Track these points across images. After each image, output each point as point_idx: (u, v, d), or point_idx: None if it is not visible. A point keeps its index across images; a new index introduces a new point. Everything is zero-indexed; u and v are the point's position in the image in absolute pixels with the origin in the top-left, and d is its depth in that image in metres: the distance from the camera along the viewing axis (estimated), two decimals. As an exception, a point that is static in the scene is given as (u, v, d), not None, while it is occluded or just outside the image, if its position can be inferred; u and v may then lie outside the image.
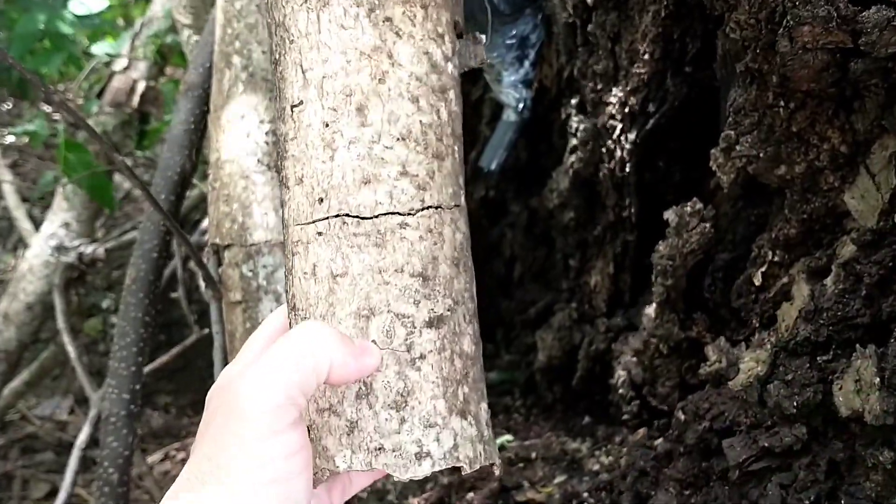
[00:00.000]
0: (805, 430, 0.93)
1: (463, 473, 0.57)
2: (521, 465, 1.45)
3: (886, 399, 0.81)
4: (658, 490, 1.14)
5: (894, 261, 0.87)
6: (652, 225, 1.28)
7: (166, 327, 2.81)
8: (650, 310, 1.24)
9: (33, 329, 2.67)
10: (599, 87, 1.25)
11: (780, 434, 0.95)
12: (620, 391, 1.35)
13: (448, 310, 0.58)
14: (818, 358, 0.94)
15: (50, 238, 2.78)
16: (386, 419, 0.55)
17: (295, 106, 0.60)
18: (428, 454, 0.55)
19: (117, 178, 3.04)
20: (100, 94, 2.89)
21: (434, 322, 0.56)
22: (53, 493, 2.09)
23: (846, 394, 0.87)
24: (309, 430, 0.56)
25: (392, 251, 0.56)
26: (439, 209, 0.59)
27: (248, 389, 0.50)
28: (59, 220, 2.81)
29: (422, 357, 0.56)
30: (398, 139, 0.58)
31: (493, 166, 1.44)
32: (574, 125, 1.32)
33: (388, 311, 0.55)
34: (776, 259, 1.07)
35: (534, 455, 1.46)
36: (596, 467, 1.33)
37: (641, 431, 1.32)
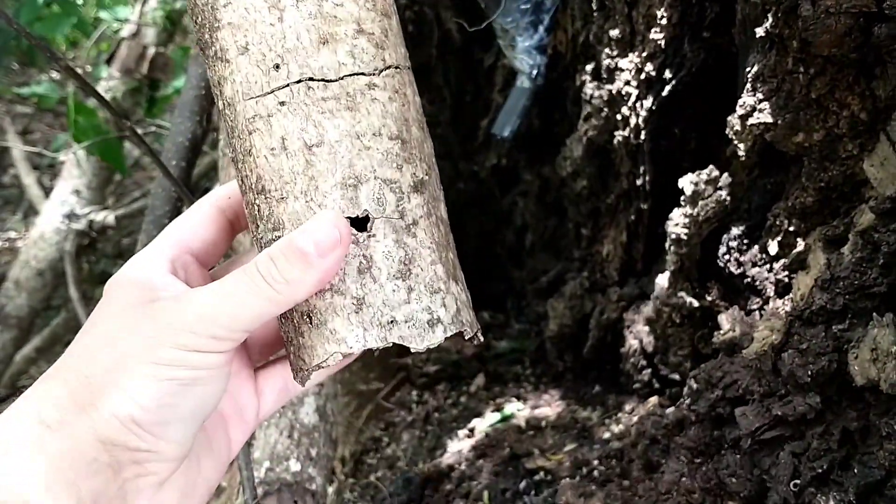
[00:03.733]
0: (819, 399, 0.92)
1: (465, 338, 0.55)
2: (531, 432, 1.46)
3: (904, 368, 0.80)
4: (669, 458, 1.14)
5: (914, 229, 0.86)
6: (666, 193, 1.27)
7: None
8: (663, 279, 1.24)
9: (44, 296, 2.69)
10: (615, 52, 1.23)
11: (794, 403, 0.94)
12: (632, 360, 1.35)
13: (426, 174, 0.55)
14: (834, 327, 0.93)
15: (61, 205, 2.79)
16: (393, 290, 0.52)
17: None
18: (439, 320, 0.53)
19: (127, 145, 3.03)
20: (109, 61, 2.88)
21: (418, 186, 0.54)
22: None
23: (862, 363, 0.86)
24: (311, 317, 0.53)
25: (366, 114, 0.53)
26: (398, 69, 0.56)
27: (188, 306, 0.49)
28: (70, 188, 2.82)
29: (414, 223, 0.53)
30: None
31: (507, 133, 1.43)
32: (589, 92, 1.31)
33: (375, 178, 0.53)
34: (792, 228, 1.06)
35: (544, 423, 1.46)
36: (606, 435, 1.34)
37: (652, 400, 1.31)
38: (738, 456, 1.03)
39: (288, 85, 0.52)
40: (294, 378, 0.56)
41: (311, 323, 0.53)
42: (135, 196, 3.27)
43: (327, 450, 1.27)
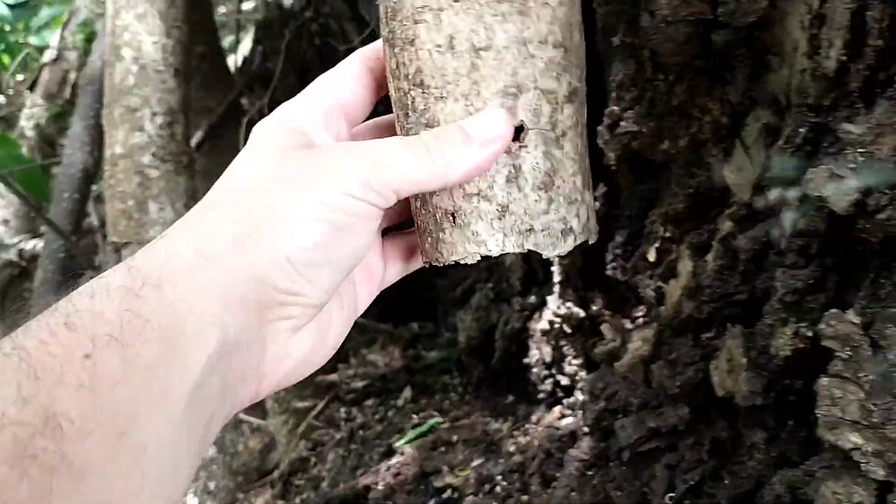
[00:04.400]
0: (688, 410, 0.92)
1: (590, 241, 0.57)
2: (442, 449, 1.44)
3: (753, 380, 0.79)
4: (563, 471, 1.13)
5: (768, 236, 0.85)
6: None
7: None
8: (554, 289, 1.23)
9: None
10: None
11: (666, 414, 0.93)
12: (535, 370, 1.34)
13: (579, 80, 0.54)
14: (701, 336, 0.93)
15: (-13, 235, 2.74)
16: (535, 200, 0.53)
17: None
18: (571, 230, 0.54)
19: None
20: (32, 87, 2.83)
21: (571, 96, 0.53)
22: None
23: (721, 374, 0.86)
24: (454, 217, 0.54)
25: (536, 19, 0.51)
26: None
27: (354, 155, 0.49)
28: (-3, 217, 2.76)
29: (563, 134, 0.53)
30: None
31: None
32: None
33: (535, 88, 0.52)
34: (667, 234, 1.05)
35: (455, 438, 1.45)
36: (511, 448, 1.32)
37: (556, 410, 1.30)
38: (623, 468, 1.02)
39: None
40: (424, 261, 0.58)
41: (454, 222, 0.55)
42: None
43: (227, 482, 1.24)
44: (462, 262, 0.54)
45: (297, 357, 0.52)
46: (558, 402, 1.32)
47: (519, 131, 0.53)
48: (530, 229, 0.53)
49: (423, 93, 0.54)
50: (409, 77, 0.54)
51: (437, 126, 0.53)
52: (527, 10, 0.51)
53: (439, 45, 0.52)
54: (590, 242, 0.56)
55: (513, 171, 0.53)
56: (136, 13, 1.33)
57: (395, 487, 1.41)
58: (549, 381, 1.31)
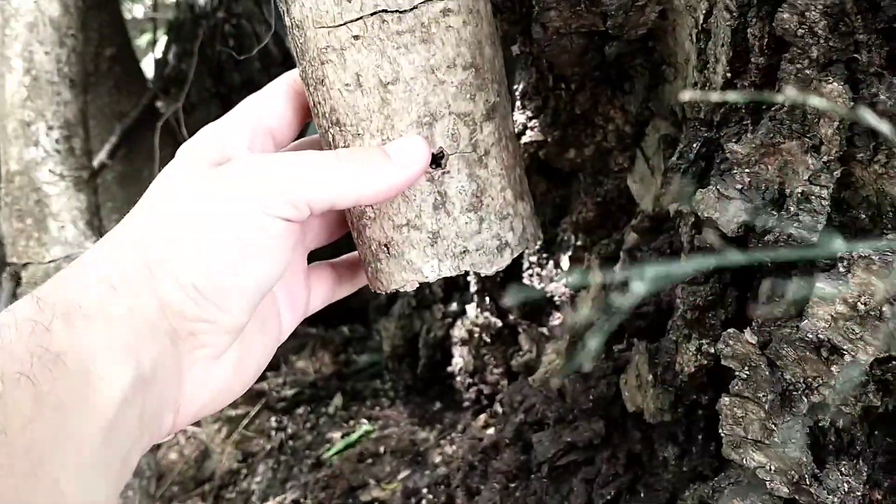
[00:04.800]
0: (603, 424, 0.91)
1: (530, 249, 0.58)
2: (370, 460, 1.42)
3: (661, 396, 0.79)
4: (486, 483, 1.12)
5: (672, 247, 0.84)
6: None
7: None
8: (472, 298, 1.21)
9: None
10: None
11: (581, 429, 0.92)
12: (458, 378, 1.32)
13: (497, 94, 0.54)
14: (613, 348, 0.92)
15: None
16: (466, 222, 0.54)
17: None
18: (507, 244, 0.55)
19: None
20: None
21: (490, 113, 0.53)
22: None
23: (630, 389, 0.85)
24: (388, 247, 0.55)
25: (441, 44, 0.51)
26: None
27: (260, 168, 0.48)
28: None
29: (486, 153, 0.54)
30: None
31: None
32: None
33: (450, 113, 0.52)
34: (580, 243, 1.04)
35: (382, 449, 1.43)
36: (437, 459, 1.31)
37: (481, 418, 1.29)
38: (545, 482, 1.01)
39: (362, 18, 0.50)
40: (372, 288, 0.59)
41: (388, 252, 0.55)
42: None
43: (145, 509, 1.21)
44: (402, 290, 0.55)
45: (216, 386, 0.51)
46: (483, 410, 1.30)
47: (440, 158, 0.53)
48: (464, 251, 0.54)
49: (341, 131, 0.54)
50: (326, 115, 0.54)
51: None
52: (429, 37, 0.50)
53: (348, 84, 0.51)
54: (534, 247, 0.59)
55: (439, 197, 0.53)
56: (27, 21, 1.26)
57: (324, 501, 1.39)
58: (473, 389, 1.30)
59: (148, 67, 2.28)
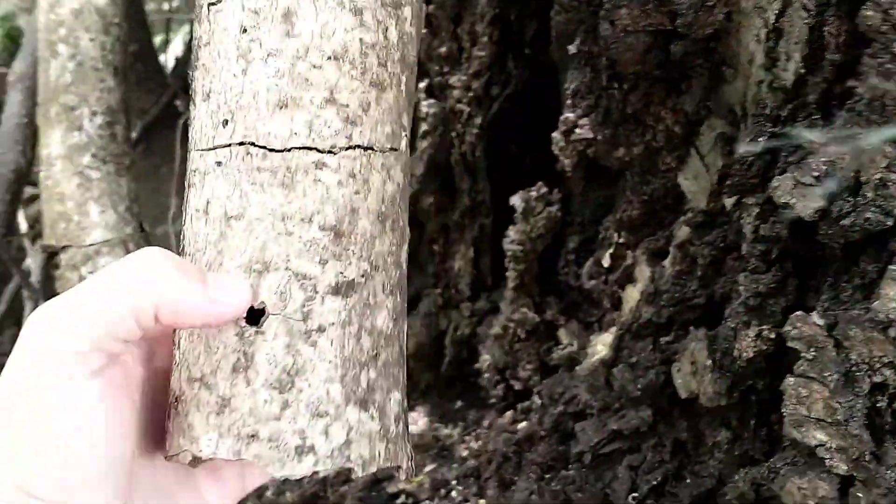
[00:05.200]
0: (650, 412, 0.94)
1: (353, 476, 0.48)
2: (393, 455, 1.43)
3: (718, 381, 0.82)
4: (521, 474, 1.14)
5: (725, 242, 0.87)
6: (505, 208, 1.26)
7: None
8: (508, 294, 1.24)
9: None
10: (445, 69, 1.22)
11: (628, 417, 0.95)
12: (486, 375, 1.34)
13: (362, 275, 0.48)
14: (661, 339, 0.95)
15: None
16: (265, 401, 0.45)
17: (212, 4, 0.49)
18: (311, 449, 0.45)
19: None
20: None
21: (342, 288, 0.47)
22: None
23: (684, 376, 0.88)
24: (178, 402, 0.47)
25: (301, 195, 0.46)
26: (370, 151, 0.48)
27: (41, 326, 0.41)
28: None
29: (320, 330, 0.46)
30: (329, 58, 0.48)
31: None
32: (424, 109, 1.29)
33: (286, 269, 0.46)
34: (622, 241, 1.07)
35: (406, 444, 1.44)
36: (465, 453, 1.33)
37: (508, 414, 1.31)
38: (584, 470, 1.04)
39: (229, 145, 0.47)
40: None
41: (176, 409, 0.47)
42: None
43: None
44: (175, 460, 0.46)
45: None
46: (510, 406, 1.33)
47: (259, 315, 0.46)
48: (253, 435, 0.45)
49: (183, 257, 0.49)
50: (181, 245, 0.50)
51: None
52: (291, 183, 0.46)
53: (198, 210, 0.48)
54: (371, 469, 0.47)
55: (242, 359, 0.46)
56: (73, 8, 1.28)
57: (346, 494, 1.40)
58: (501, 385, 1.32)
59: (167, 65, 2.30)
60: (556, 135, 1.04)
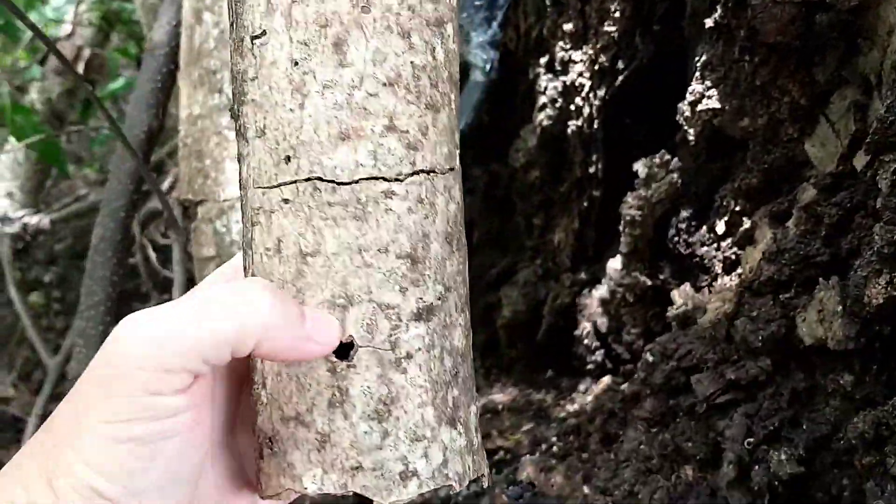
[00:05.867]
0: (769, 362, 0.99)
1: (452, 492, 0.51)
2: (488, 416, 1.50)
3: (848, 325, 0.88)
4: (626, 429, 1.20)
5: (852, 201, 0.94)
6: (617, 181, 1.33)
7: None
8: (616, 261, 1.30)
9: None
10: (569, 45, 1.30)
11: (746, 367, 1.01)
12: (585, 342, 1.41)
13: (439, 298, 0.48)
14: (781, 296, 1.01)
15: (-7, 208, 2.72)
16: (365, 432, 0.46)
17: (256, 37, 0.48)
18: (414, 473, 0.46)
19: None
20: (42, 61, 2.83)
21: (423, 314, 0.47)
22: None
23: (809, 324, 0.94)
24: (272, 442, 0.47)
25: (375, 226, 0.46)
26: (432, 174, 0.49)
27: (134, 338, 0.41)
28: (2, 190, 2.75)
29: (408, 357, 0.47)
30: (385, 84, 0.47)
31: (462, 126, 1.48)
32: (543, 84, 1.37)
33: (370, 301, 0.46)
34: (738, 208, 1.14)
35: (500, 407, 1.51)
36: (562, 415, 1.39)
37: (605, 380, 1.37)
38: (693, 422, 1.10)
39: (295, 182, 0.47)
40: (258, 493, 0.49)
41: (271, 449, 0.48)
42: (66, 201, 3.20)
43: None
44: (276, 499, 0.47)
45: None
46: (607, 372, 1.39)
47: (348, 348, 0.46)
48: (357, 467, 0.46)
49: None
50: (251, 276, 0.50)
51: None
52: (364, 215, 0.46)
53: (268, 249, 0.48)
54: (459, 487, 0.48)
55: (337, 394, 0.46)
56: (219, -21, 1.38)
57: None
58: (600, 352, 1.39)
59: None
60: (682, 105, 1.11)
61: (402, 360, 0.47)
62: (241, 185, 0.50)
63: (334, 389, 0.46)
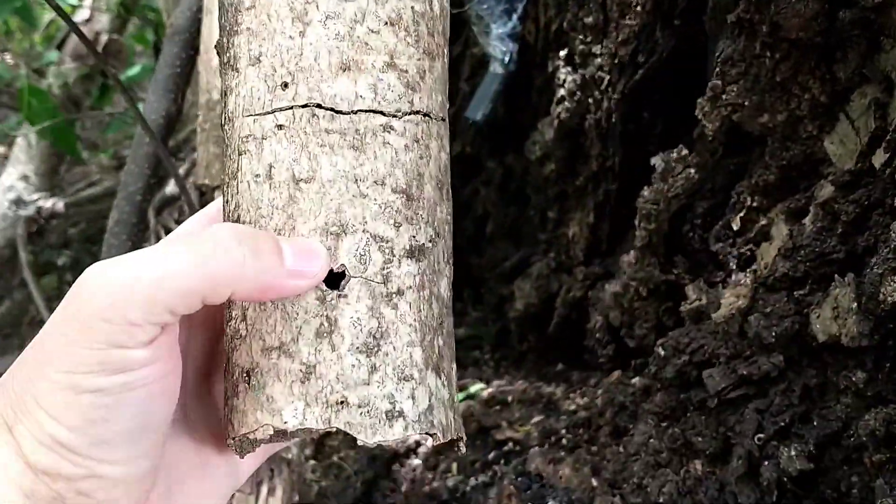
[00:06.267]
0: (782, 358, 1.00)
1: (433, 444, 0.48)
2: (497, 407, 1.51)
3: (862, 322, 0.88)
4: (636, 423, 1.20)
5: (870, 199, 0.94)
6: (632, 175, 1.33)
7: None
8: (629, 256, 1.30)
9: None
10: (589, 39, 1.30)
11: (759, 363, 1.01)
12: (597, 335, 1.41)
13: (430, 241, 0.48)
14: (795, 292, 1.01)
15: (8, 191, 2.74)
16: (353, 365, 0.44)
17: None
18: (401, 414, 0.44)
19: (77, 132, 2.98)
20: (60, 46, 2.84)
21: (415, 252, 0.47)
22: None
23: (823, 321, 0.94)
24: (250, 376, 0.45)
25: (373, 157, 0.46)
26: (428, 117, 0.49)
27: (98, 287, 0.39)
28: (18, 174, 2.77)
29: (399, 293, 0.46)
30: (386, 23, 0.47)
31: (479, 117, 1.48)
32: (562, 77, 1.37)
33: (364, 231, 0.45)
34: (754, 204, 1.13)
35: (510, 398, 1.51)
36: (572, 407, 1.39)
37: (616, 374, 1.38)
38: (704, 416, 1.10)
39: (292, 108, 0.46)
40: (227, 446, 0.46)
41: (248, 383, 0.45)
42: (80, 186, 3.22)
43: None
44: (252, 438, 0.44)
45: None
46: (618, 366, 1.39)
47: (339, 278, 0.45)
48: (342, 402, 0.43)
49: (241, 224, 0.47)
50: (230, 215, 0.48)
51: None
52: (361, 146, 0.46)
53: (257, 175, 0.46)
54: (442, 440, 0.46)
55: (326, 324, 0.44)
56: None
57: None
58: (611, 346, 1.39)
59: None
60: (702, 100, 1.11)
61: (394, 296, 0.45)
62: (225, 119, 0.49)
63: (323, 318, 0.44)
